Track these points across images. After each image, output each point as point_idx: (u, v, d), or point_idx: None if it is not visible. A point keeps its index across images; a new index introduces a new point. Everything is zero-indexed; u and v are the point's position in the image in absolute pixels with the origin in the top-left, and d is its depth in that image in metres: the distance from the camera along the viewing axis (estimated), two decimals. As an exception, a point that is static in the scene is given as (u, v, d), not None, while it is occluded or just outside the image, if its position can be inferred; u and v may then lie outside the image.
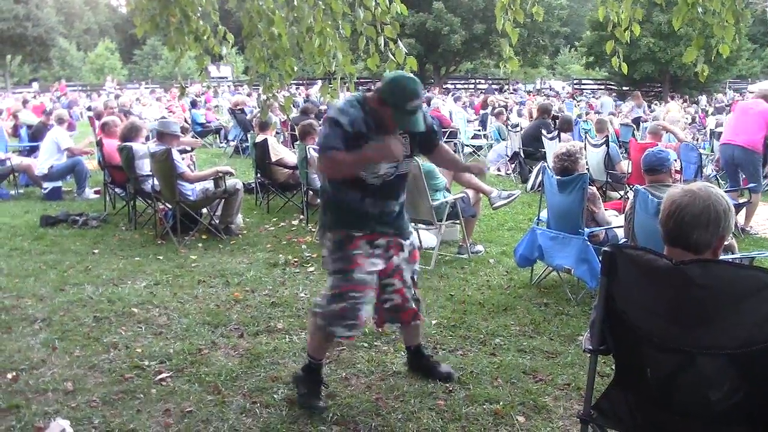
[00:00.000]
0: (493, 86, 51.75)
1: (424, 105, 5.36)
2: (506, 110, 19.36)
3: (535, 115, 16.15)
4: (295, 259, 7.71)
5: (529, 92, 47.75)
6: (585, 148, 10.23)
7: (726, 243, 2.86)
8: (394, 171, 4.28)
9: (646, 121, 19.10)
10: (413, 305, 4.61)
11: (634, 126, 17.49)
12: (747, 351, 2.50)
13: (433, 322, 5.79)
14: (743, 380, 2.59)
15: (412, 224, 7.96)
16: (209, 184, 8.75)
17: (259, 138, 10.58)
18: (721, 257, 2.92)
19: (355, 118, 4.08)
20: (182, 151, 9.53)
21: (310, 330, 4.51)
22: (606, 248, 2.84)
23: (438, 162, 5.03)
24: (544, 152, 13.02)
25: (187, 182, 8.57)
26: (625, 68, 6.01)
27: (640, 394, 2.85)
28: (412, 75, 4.28)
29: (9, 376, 4.72)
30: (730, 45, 5.31)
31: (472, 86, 54.74)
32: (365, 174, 4.19)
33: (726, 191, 2.89)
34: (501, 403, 4.38)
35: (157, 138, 9.09)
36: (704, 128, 21.45)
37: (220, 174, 8.90)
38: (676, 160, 9.08)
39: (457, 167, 5.59)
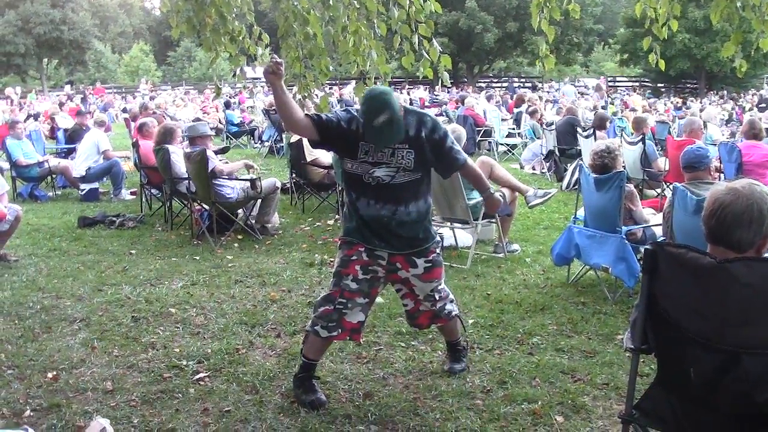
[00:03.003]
0: (523, 85, 51.40)
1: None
2: (542, 117, 19.13)
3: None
4: (331, 259, 7.68)
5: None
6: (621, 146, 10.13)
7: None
8: (391, 178, 4.23)
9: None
10: (430, 310, 4.54)
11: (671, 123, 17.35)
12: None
13: (470, 321, 5.76)
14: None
15: (448, 224, 8.02)
16: (247, 184, 8.81)
17: (294, 138, 10.58)
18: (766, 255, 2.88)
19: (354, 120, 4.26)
20: (218, 152, 9.70)
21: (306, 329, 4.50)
22: (648, 246, 2.82)
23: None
24: (579, 149, 12.92)
25: (223, 180, 8.65)
26: (662, 65, 5.95)
27: (683, 393, 2.82)
28: (385, 89, 4.24)
29: (49, 375, 4.77)
30: (770, 39, 5.24)
31: (505, 85, 54.46)
32: (360, 171, 4.25)
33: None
34: (539, 403, 4.35)
35: (189, 142, 9.23)
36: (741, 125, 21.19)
37: (248, 167, 9.15)
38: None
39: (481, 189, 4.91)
